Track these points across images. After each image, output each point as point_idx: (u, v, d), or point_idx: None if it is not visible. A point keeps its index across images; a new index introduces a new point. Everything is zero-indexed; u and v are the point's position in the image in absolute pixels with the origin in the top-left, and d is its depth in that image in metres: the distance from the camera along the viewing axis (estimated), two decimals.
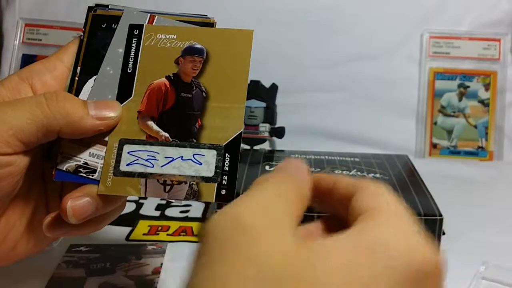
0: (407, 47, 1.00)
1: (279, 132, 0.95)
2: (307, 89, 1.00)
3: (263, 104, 0.94)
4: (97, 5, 0.44)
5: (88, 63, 0.42)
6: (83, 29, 0.43)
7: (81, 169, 0.39)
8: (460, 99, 0.99)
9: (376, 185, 0.31)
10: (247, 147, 0.94)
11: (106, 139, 0.39)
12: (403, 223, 0.29)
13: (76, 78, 0.41)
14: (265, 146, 0.95)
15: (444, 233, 0.64)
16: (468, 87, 0.98)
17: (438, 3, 1.00)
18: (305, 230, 0.32)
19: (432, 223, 0.61)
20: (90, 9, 0.43)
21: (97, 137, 0.39)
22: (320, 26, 0.99)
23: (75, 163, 0.39)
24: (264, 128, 0.94)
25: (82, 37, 0.43)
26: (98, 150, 0.39)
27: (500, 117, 0.98)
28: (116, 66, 0.41)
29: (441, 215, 0.61)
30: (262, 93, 0.95)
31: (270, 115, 0.94)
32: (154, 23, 0.43)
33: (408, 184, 0.69)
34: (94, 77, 0.41)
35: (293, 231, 0.27)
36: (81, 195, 0.38)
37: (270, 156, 0.79)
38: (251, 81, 0.97)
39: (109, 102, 0.40)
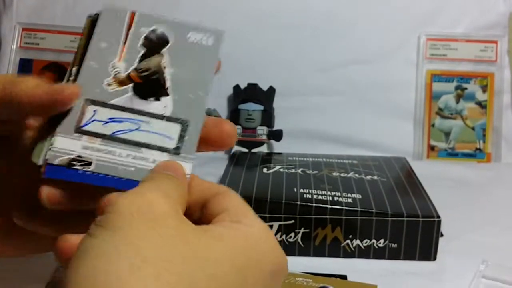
0: (404, 49, 1.00)
1: (276, 135, 0.95)
2: (304, 92, 1.00)
3: (261, 107, 0.94)
4: (97, 15, 0.43)
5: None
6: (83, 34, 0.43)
7: (75, 162, 0.37)
8: (457, 101, 0.99)
9: (227, 191, 0.36)
10: (245, 150, 0.94)
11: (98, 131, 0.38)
12: (262, 231, 0.34)
13: (71, 78, 0.41)
14: (263, 149, 0.95)
15: (442, 235, 0.64)
16: (466, 89, 0.99)
17: (435, 5, 1.01)
18: None
19: (430, 225, 0.61)
20: (89, 16, 0.43)
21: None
22: (317, 29, 1.00)
23: (67, 156, 0.37)
24: (262, 131, 0.94)
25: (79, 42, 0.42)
26: (91, 142, 0.38)
27: (498, 119, 0.99)
28: (100, 60, 0.41)
29: (439, 217, 0.61)
30: (260, 96, 0.96)
31: (267, 118, 0.95)
32: (134, 20, 0.43)
33: (406, 186, 0.69)
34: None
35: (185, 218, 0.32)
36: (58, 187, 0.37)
37: (268, 159, 0.80)
38: (249, 84, 0.97)
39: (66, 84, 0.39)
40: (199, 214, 0.35)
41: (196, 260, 0.28)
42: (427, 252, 0.62)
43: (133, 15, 0.43)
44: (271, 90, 0.97)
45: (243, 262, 0.30)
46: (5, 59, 1.02)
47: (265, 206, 0.62)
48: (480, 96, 0.99)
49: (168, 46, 0.42)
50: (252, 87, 0.96)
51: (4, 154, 0.41)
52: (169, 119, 0.39)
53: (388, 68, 1.00)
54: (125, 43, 0.42)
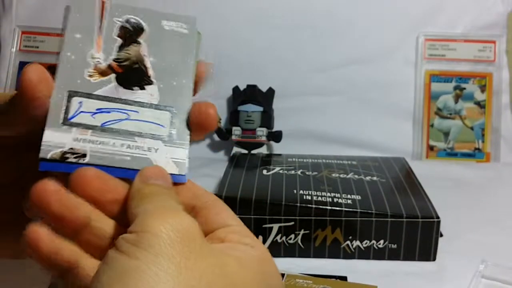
0: (403, 50, 1.01)
1: (276, 136, 0.95)
2: (304, 93, 1.00)
3: (260, 109, 0.95)
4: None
5: None
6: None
7: (68, 155, 0.36)
8: (456, 101, 0.99)
9: (220, 202, 0.36)
10: (245, 151, 0.94)
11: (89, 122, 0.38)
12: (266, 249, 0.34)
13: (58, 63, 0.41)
14: (263, 150, 0.95)
15: (442, 235, 0.65)
16: (464, 89, 0.99)
17: (434, 6, 1.01)
18: None
19: (429, 225, 0.61)
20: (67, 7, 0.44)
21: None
22: (316, 30, 1.00)
23: (60, 149, 0.37)
24: (262, 132, 0.94)
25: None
26: (83, 134, 0.37)
27: (496, 119, 0.99)
28: (77, 51, 0.40)
29: (438, 218, 0.62)
30: (259, 97, 0.96)
31: (267, 119, 0.95)
32: (105, 10, 0.42)
33: (405, 186, 0.70)
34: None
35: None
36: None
37: (268, 160, 0.80)
38: (248, 85, 0.97)
39: None
40: None
41: (226, 281, 0.30)
42: (427, 252, 0.62)
43: (103, 4, 0.42)
44: (271, 91, 0.97)
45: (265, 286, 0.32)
46: (5, 62, 1.02)
47: (265, 207, 0.62)
48: (479, 96, 0.99)
49: (144, 35, 0.42)
50: (252, 88, 0.97)
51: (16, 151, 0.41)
52: (157, 107, 0.39)
53: (387, 69, 1.00)
54: (100, 33, 0.41)
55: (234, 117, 0.95)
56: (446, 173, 0.90)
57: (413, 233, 0.62)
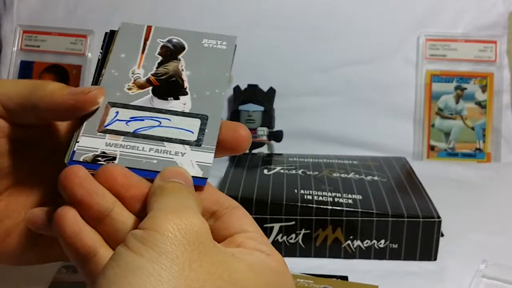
0: (403, 50, 1.01)
1: (277, 136, 0.95)
2: (304, 92, 1.00)
3: (261, 108, 0.95)
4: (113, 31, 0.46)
5: None
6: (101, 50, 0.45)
7: (99, 158, 0.38)
8: (457, 101, 0.99)
9: (241, 208, 0.37)
10: (245, 151, 0.94)
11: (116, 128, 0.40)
12: (283, 259, 0.35)
13: (101, 79, 0.43)
14: (263, 150, 0.95)
15: (443, 235, 0.65)
16: (465, 89, 0.99)
17: (434, 6, 1.01)
18: None
19: (430, 225, 0.61)
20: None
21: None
22: (317, 29, 1.00)
23: (92, 153, 0.39)
24: (262, 132, 0.94)
25: (99, 56, 0.45)
26: (114, 139, 0.39)
27: (497, 119, 0.99)
28: (120, 68, 0.43)
29: (439, 217, 0.62)
30: (260, 97, 0.96)
31: (268, 119, 0.95)
32: (151, 33, 0.45)
33: (406, 186, 0.70)
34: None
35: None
36: None
37: (269, 160, 0.80)
38: (249, 85, 0.97)
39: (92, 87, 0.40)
40: (209, 223, 0.36)
41: (233, 286, 0.29)
42: (428, 252, 0.62)
43: (149, 28, 0.45)
44: (271, 91, 0.97)
45: None
46: (6, 61, 1.02)
47: (266, 207, 0.63)
48: (480, 96, 0.99)
49: (184, 52, 0.44)
50: (252, 88, 0.97)
51: (30, 156, 0.43)
52: (188, 114, 0.41)
53: (388, 69, 1.00)
54: (143, 52, 0.44)
55: (235, 116, 0.95)
56: (447, 173, 0.90)
57: (414, 233, 0.62)
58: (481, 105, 0.99)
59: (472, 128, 0.98)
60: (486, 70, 1.00)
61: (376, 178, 0.72)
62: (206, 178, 0.38)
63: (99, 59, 0.45)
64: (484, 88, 0.99)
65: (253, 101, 0.95)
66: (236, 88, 0.97)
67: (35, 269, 0.54)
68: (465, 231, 0.69)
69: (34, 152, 0.43)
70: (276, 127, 0.97)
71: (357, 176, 0.72)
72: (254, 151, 0.94)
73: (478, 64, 1.00)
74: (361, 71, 1.00)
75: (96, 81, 0.43)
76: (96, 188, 0.34)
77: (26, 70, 1.01)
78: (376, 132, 0.99)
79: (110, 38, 0.45)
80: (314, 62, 1.00)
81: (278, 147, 0.96)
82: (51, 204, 0.41)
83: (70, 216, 0.33)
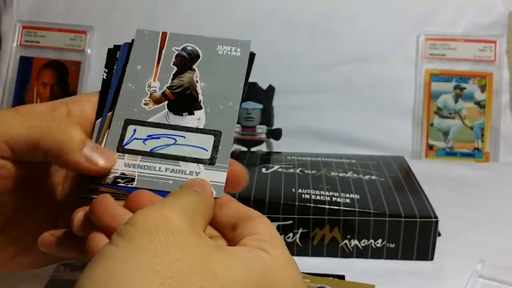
0: (403, 49, 1.00)
1: (276, 134, 0.95)
2: (303, 91, 1.00)
3: (260, 106, 0.95)
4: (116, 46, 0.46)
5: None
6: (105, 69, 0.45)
7: (119, 180, 0.40)
8: (456, 101, 0.99)
9: (263, 217, 0.37)
10: (244, 149, 0.94)
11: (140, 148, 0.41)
12: (288, 254, 0.36)
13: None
14: (262, 147, 0.95)
15: (440, 234, 0.65)
16: (464, 88, 0.99)
17: (434, 5, 1.01)
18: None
19: (427, 225, 0.62)
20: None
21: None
22: (316, 28, 1.00)
23: (113, 175, 0.40)
24: (261, 129, 0.94)
25: (104, 76, 0.45)
26: (133, 160, 0.40)
27: (496, 119, 0.99)
28: (137, 81, 0.43)
29: (436, 217, 0.62)
30: (259, 94, 0.96)
31: (267, 117, 0.95)
32: (166, 40, 0.45)
33: (403, 185, 0.70)
34: None
35: (206, 237, 0.33)
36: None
37: (267, 158, 0.80)
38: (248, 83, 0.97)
39: (107, 150, 0.40)
40: (230, 235, 0.37)
41: (204, 273, 0.30)
42: (425, 252, 0.62)
43: (164, 35, 0.45)
44: (271, 89, 0.97)
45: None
46: (6, 57, 1.02)
47: (263, 206, 0.63)
48: (479, 95, 0.99)
49: (199, 61, 0.44)
50: (252, 85, 0.97)
51: (35, 191, 0.43)
52: (202, 131, 0.41)
53: (387, 67, 1.00)
54: (158, 63, 0.44)
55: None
56: (445, 173, 0.90)
57: (411, 232, 0.62)
58: (480, 104, 0.99)
59: (471, 128, 0.99)
60: (486, 70, 1.00)
61: (374, 177, 0.72)
62: (219, 198, 0.39)
63: (104, 79, 0.45)
64: (483, 88, 0.99)
65: (252, 99, 0.95)
66: None
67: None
68: (462, 230, 0.69)
69: (39, 187, 0.43)
70: (275, 125, 0.97)
71: (355, 175, 0.72)
72: (252, 149, 0.94)
73: (478, 64, 1.00)
74: (360, 70, 1.00)
75: (102, 103, 0.43)
76: (122, 213, 0.35)
77: (25, 65, 1.01)
78: (375, 131, 0.99)
79: (114, 54, 0.45)
80: (313, 60, 1.00)
81: (276, 145, 0.96)
82: (53, 227, 0.42)
83: (101, 242, 0.34)
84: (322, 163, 0.76)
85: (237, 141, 0.95)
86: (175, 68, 0.44)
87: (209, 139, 0.41)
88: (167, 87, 0.43)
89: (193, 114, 0.42)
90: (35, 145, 0.37)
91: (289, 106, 0.99)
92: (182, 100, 0.43)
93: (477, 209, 0.76)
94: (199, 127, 0.42)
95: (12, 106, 1.00)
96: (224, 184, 0.39)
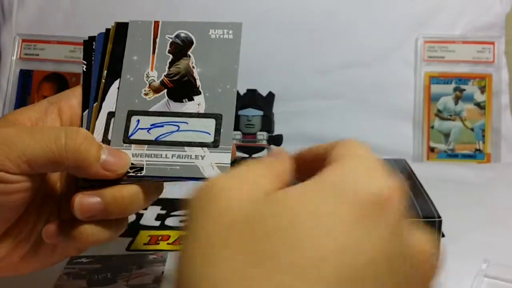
0: (402, 52, 1.01)
1: (276, 140, 0.95)
2: (303, 96, 1.00)
3: (260, 113, 0.95)
4: (118, 23, 0.47)
5: (114, 66, 0.45)
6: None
7: (128, 170, 0.40)
8: (456, 103, 0.99)
9: (350, 138, 0.33)
10: (246, 155, 0.94)
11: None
12: (365, 162, 0.30)
13: (103, 81, 0.44)
14: (263, 154, 0.95)
15: (444, 235, 0.65)
16: (464, 90, 0.99)
17: (432, 8, 1.01)
18: None
19: (431, 225, 0.61)
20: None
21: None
22: (315, 32, 1.00)
23: None
24: (262, 136, 0.94)
25: (84, 68, 0.45)
26: (139, 149, 0.41)
27: (496, 119, 0.99)
28: (135, 72, 0.44)
29: (439, 217, 0.61)
30: (259, 101, 0.96)
31: (267, 123, 0.95)
32: (159, 29, 0.46)
33: (406, 187, 0.69)
34: (118, 79, 0.44)
35: (264, 190, 0.29)
36: (93, 194, 0.39)
37: None
38: (248, 90, 0.97)
39: (122, 155, 0.41)
40: None
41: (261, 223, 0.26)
42: None
43: (157, 24, 0.46)
44: (271, 96, 0.97)
45: (324, 221, 0.26)
46: (5, 70, 1.02)
47: None
48: (479, 97, 0.99)
49: (193, 47, 0.45)
50: (251, 93, 0.97)
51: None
52: (204, 115, 0.42)
53: (386, 70, 1.00)
54: (154, 52, 0.45)
55: (234, 121, 0.95)
56: (447, 174, 0.90)
57: None
58: (480, 106, 0.99)
59: (472, 129, 0.99)
60: (485, 71, 1.00)
61: None
62: None
63: (84, 71, 0.45)
64: (482, 89, 0.99)
65: (252, 106, 0.95)
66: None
67: (36, 276, 0.54)
68: (466, 231, 0.69)
69: (42, 186, 0.43)
70: (276, 132, 0.97)
71: None
72: (254, 155, 0.94)
73: (477, 65, 1.00)
74: (360, 74, 1.00)
75: (87, 95, 0.44)
76: None
77: (25, 79, 1.02)
78: (376, 134, 0.99)
79: (90, 45, 0.46)
80: (312, 65, 1.00)
81: None
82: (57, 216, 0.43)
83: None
84: None
85: (238, 148, 0.95)
86: (171, 56, 0.45)
87: (211, 123, 0.42)
88: (165, 76, 0.44)
89: (192, 100, 0.43)
90: (54, 163, 0.38)
91: (289, 112, 0.99)
92: (181, 87, 0.44)
93: (480, 210, 0.76)
94: (200, 112, 0.42)
95: None
96: (229, 165, 0.41)
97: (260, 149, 0.95)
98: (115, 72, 0.44)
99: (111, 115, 0.43)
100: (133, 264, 0.58)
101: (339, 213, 0.26)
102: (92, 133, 0.43)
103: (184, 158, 0.41)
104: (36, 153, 0.38)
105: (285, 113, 0.99)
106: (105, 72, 0.44)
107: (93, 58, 0.45)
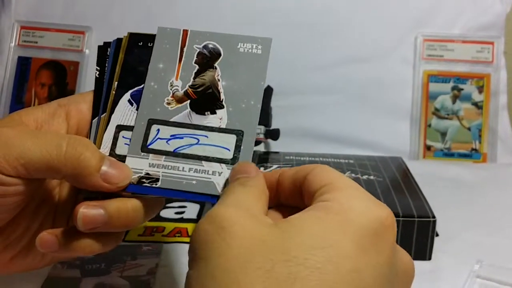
0: (401, 50, 1.01)
1: (274, 134, 0.95)
2: (301, 91, 1.00)
3: None
4: (131, 34, 0.46)
5: (124, 78, 0.44)
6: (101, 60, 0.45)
7: (144, 180, 0.40)
8: (453, 102, 0.99)
9: (323, 165, 0.37)
10: None
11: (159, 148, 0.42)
12: (357, 191, 0.35)
13: (113, 92, 0.44)
14: (260, 148, 0.95)
15: (437, 235, 0.65)
16: (462, 89, 0.99)
17: (432, 6, 1.01)
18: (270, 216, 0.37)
19: (425, 224, 0.62)
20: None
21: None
22: (314, 28, 1.00)
23: (138, 175, 0.40)
24: (259, 130, 0.94)
25: (97, 74, 0.45)
26: (157, 160, 0.41)
27: (494, 119, 0.99)
28: (159, 80, 0.43)
29: (434, 217, 0.62)
30: None
31: (265, 117, 0.95)
32: (187, 38, 0.45)
33: (401, 186, 0.70)
34: (130, 91, 0.44)
35: (263, 216, 0.34)
36: (97, 206, 0.38)
37: (265, 158, 0.80)
38: None
39: (124, 168, 0.40)
40: (299, 198, 0.37)
41: (273, 253, 0.30)
42: (422, 251, 0.62)
43: (185, 33, 0.45)
44: (269, 90, 0.97)
45: (329, 244, 0.31)
46: (4, 57, 1.02)
47: None
48: (477, 96, 0.99)
49: (220, 59, 0.44)
50: None
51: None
52: (224, 130, 0.42)
53: (385, 68, 1.00)
54: (180, 61, 0.44)
55: None
56: (443, 173, 0.90)
57: (409, 232, 0.62)
58: (478, 105, 0.99)
59: (469, 129, 0.99)
60: (483, 71, 1.00)
61: (372, 177, 0.72)
62: None
63: (97, 77, 0.45)
64: (481, 89, 0.99)
65: None
66: None
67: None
68: (460, 231, 0.69)
69: (38, 190, 0.43)
70: (273, 126, 0.97)
71: (353, 175, 0.72)
72: None
73: (475, 65, 1.00)
74: (358, 70, 1.00)
75: (98, 102, 0.44)
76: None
77: (23, 66, 1.01)
78: (373, 131, 0.99)
79: (105, 51, 0.45)
80: (311, 61, 1.00)
81: (274, 146, 0.96)
82: (50, 227, 0.43)
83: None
84: (320, 163, 0.76)
85: None
86: (197, 67, 0.44)
87: (232, 139, 0.41)
88: (189, 86, 0.43)
89: (215, 113, 0.42)
90: (53, 170, 0.38)
91: (286, 107, 0.99)
92: (204, 99, 0.43)
93: (474, 210, 0.76)
94: (221, 126, 0.42)
95: (10, 107, 1.00)
96: None
97: (257, 142, 0.95)
98: (126, 85, 0.44)
99: (119, 128, 0.42)
100: (127, 255, 0.58)
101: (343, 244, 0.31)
102: (100, 145, 0.42)
103: (201, 172, 0.40)
104: (34, 157, 0.37)
105: (282, 107, 0.99)
106: (115, 83, 0.44)
107: (106, 65, 0.45)
